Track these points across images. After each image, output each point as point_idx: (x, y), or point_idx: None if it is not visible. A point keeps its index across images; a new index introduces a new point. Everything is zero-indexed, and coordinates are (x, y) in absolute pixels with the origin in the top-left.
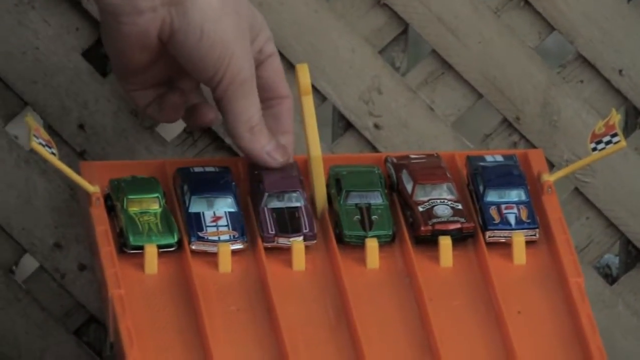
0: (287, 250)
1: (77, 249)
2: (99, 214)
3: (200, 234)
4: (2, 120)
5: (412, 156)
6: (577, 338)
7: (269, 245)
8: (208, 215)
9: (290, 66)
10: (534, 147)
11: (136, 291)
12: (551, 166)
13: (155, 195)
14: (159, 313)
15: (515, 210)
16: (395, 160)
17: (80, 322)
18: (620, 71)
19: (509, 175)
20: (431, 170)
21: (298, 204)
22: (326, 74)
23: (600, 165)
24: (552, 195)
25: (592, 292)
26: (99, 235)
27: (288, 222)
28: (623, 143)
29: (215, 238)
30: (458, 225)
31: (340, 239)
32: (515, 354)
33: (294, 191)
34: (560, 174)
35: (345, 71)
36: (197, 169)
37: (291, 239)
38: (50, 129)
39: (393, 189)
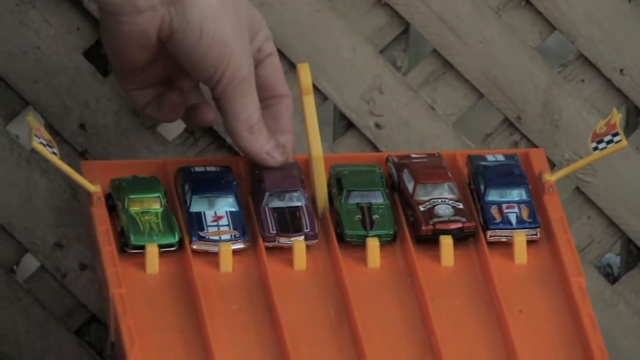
0: (288, 249)
1: (78, 248)
2: (100, 213)
3: (201, 233)
4: (3, 119)
5: (413, 156)
6: (579, 337)
7: (270, 244)
8: (209, 215)
9: (291, 66)
10: (535, 146)
11: (137, 291)
12: (552, 165)
13: (157, 194)
14: (160, 313)
15: (516, 210)
16: (396, 159)
17: (82, 321)
18: (621, 70)
19: (510, 174)
20: (432, 169)
21: (299, 204)
22: (327, 73)
23: (601, 164)
24: (553, 195)
25: (593, 292)
26: (100, 234)
27: (289, 222)
28: (624, 142)
29: (217, 237)
30: (459, 225)
31: (341, 239)
32: (516, 353)
33: (295, 191)
34: (561, 173)
35: (346, 70)
36: (198, 169)
37: (292, 239)
38: (51, 128)
39: (394, 188)
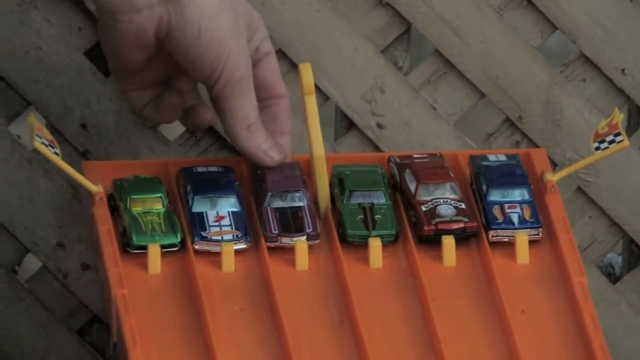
0: (290, 249)
1: (80, 248)
2: (102, 213)
3: (203, 233)
4: (4, 119)
5: (415, 156)
6: (581, 337)
7: (272, 244)
8: (211, 215)
9: (292, 66)
10: (536, 146)
11: (139, 291)
12: (554, 165)
13: (159, 195)
14: (162, 313)
15: (518, 210)
16: (398, 159)
17: (83, 321)
18: (622, 70)
19: (511, 174)
20: (434, 169)
21: (301, 204)
22: (328, 73)
23: (603, 164)
24: (555, 195)
25: (595, 291)
26: (102, 235)
27: (291, 222)
28: (626, 142)
29: (219, 238)
30: (461, 225)
31: (343, 239)
32: (518, 353)
33: (297, 191)
34: (563, 173)
35: (347, 70)
36: (200, 169)
37: (294, 239)
38: (52, 128)
39: (396, 188)
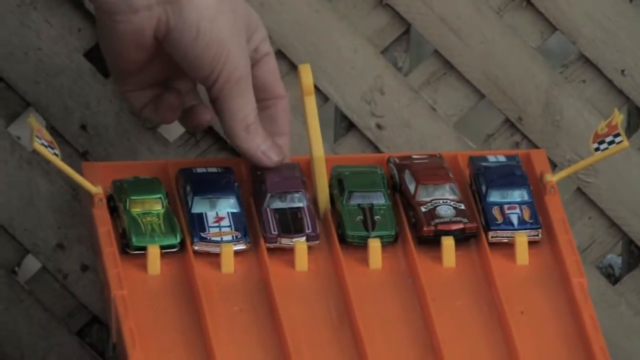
0: (290, 250)
1: (80, 249)
2: (101, 214)
3: (202, 234)
4: (4, 121)
5: (415, 156)
6: (580, 338)
7: (271, 245)
8: (211, 216)
9: (292, 66)
10: (536, 147)
11: (139, 292)
12: (554, 166)
13: (158, 196)
14: (161, 314)
15: (517, 211)
16: (397, 160)
17: (83, 322)
18: (622, 71)
19: (511, 175)
20: (434, 170)
21: (300, 205)
22: (328, 74)
23: (602, 165)
24: (554, 196)
25: (595, 292)
26: (102, 236)
27: (291, 223)
28: (626, 143)
29: (218, 239)
30: (461, 226)
31: (342, 240)
32: (518, 354)
33: (297, 192)
34: (562, 174)
35: (347, 71)
36: (199, 170)
37: (294, 240)
38: (52, 129)
39: (395, 189)
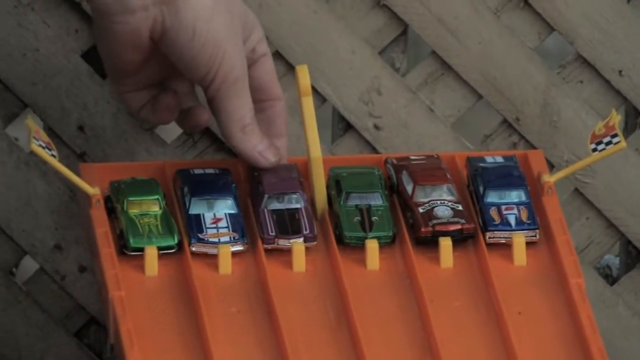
0: (287, 251)
1: (77, 250)
2: (99, 215)
3: (200, 235)
4: (2, 122)
5: (412, 157)
6: (578, 339)
7: (269, 246)
8: (208, 217)
9: (290, 67)
10: (534, 147)
11: (136, 293)
12: (551, 167)
13: (156, 197)
14: (159, 315)
15: (515, 211)
16: (395, 161)
17: (81, 323)
18: (620, 72)
19: (509, 176)
20: (431, 171)
21: (298, 206)
22: (326, 75)
23: (600, 165)
24: (552, 196)
25: (593, 293)
26: (99, 237)
27: (288, 224)
28: (623, 144)
29: (216, 240)
30: (458, 226)
31: (340, 240)
32: (515, 354)
33: (294, 193)
34: (560, 174)
35: (345, 72)
36: (197, 171)
37: (291, 241)
38: (50, 130)
39: (393, 190)
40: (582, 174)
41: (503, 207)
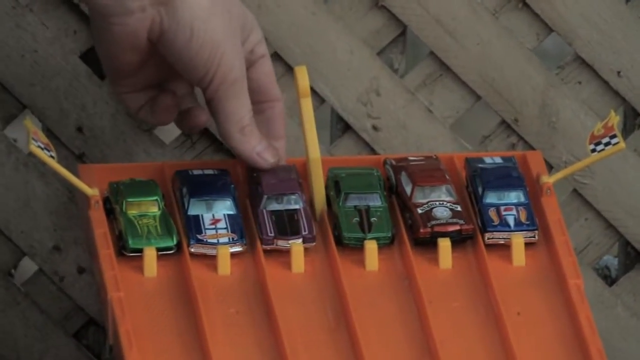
0: (286, 252)
1: (76, 251)
2: (97, 216)
3: (199, 236)
4: (0, 123)
5: (411, 158)
6: (577, 339)
7: (268, 247)
8: (207, 218)
9: (288, 68)
10: (532, 148)
11: (135, 294)
12: (550, 168)
13: (154, 198)
14: (158, 316)
15: (514, 212)
16: (394, 162)
17: (80, 324)
18: (618, 72)
19: (507, 177)
20: (430, 172)
21: (297, 207)
22: (324, 76)
23: (599, 166)
24: (551, 197)
25: (592, 294)
26: (98, 238)
27: (287, 225)
28: (622, 144)
29: (214, 241)
30: (457, 227)
31: (339, 241)
32: (514, 355)
33: (293, 193)
34: (559, 175)
35: (343, 73)
36: (195, 172)
37: (290, 242)
38: (48, 131)
39: (392, 191)
40: (580, 174)
41: (502, 207)
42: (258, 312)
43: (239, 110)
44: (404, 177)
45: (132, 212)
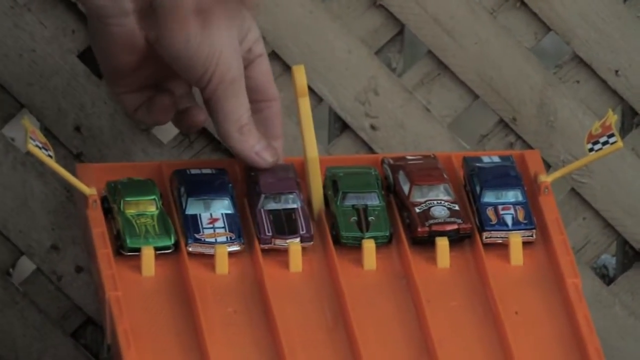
0: (284, 251)
1: (74, 251)
2: (95, 216)
3: (197, 235)
4: None
5: (409, 157)
6: (575, 338)
7: (265, 246)
8: (205, 217)
9: (286, 68)
10: (530, 147)
11: (133, 293)
12: (548, 167)
13: (152, 197)
14: (156, 315)
15: (512, 211)
16: (391, 161)
17: (78, 324)
18: (616, 71)
19: (505, 176)
20: (428, 171)
21: (295, 206)
22: (322, 75)
23: (597, 165)
24: (548, 196)
25: (589, 293)
26: (96, 237)
27: (285, 224)
28: (620, 144)
29: (212, 240)
30: (455, 226)
31: (337, 240)
32: (512, 354)
33: (291, 193)
34: (557, 174)
35: (341, 72)
36: (193, 171)
37: (288, 241)
38: (46, 131)
39: (390, 190)
40: (578, 173)
41: (500, 207)
42: (256, 311)
43: (237, 109)
44: (401, 176)
45: (130, 211)
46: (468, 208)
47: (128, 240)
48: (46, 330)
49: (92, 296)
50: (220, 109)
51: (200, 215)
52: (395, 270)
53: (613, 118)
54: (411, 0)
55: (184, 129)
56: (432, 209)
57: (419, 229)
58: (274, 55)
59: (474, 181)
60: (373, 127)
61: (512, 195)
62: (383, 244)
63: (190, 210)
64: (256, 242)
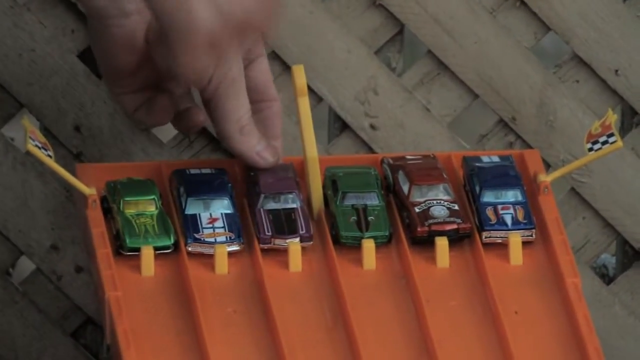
0: (284, 251)
1: (74, 250)
2: (95, 216)
3: (196, 235)
4: None
5: (408, 157)
6: (574, 338)
7: (265, 246)
8: (204, 217)
9: (286, 67)
10: (530, 147)
11: (133, 293)
12: (547, 166)
13: (152, 197)
14: (155, 315)
15: (511, 211)
16: (391, 161)
17: (77, 324)
18: (616, 71)
19: (505, 175)
20: (427, 171)
21: (294, 206)
22: (322, 74)
23: (596, 165)
24: (548, 196)
25: (589, 292)
26: (96, 237)
27: (284, 224)
28: (619, 143)
29: (212, 240)
30: (454, 226)
31: (336, 240)
32: (512, 354)
33: (290, 192)
34: (556, 174)
35: (341, 72)
36: (193, 171)
37: (288, 241)
38: (46, 131)
39: (389, 190)
40: (578, 173)
41: (499, 206)
42: (255, 311)
43: (237, 109)
44: (401, 176)
45: (130, 211)
46: (467, 208)
47: (128, 240)
48: (46, 330)
49: (91, 296)
50: (220, 109)
51: (199, 215)
52: (394, 270)
53: (613, 118)
54: (411, 0)
55: (183, 130)
56: (431, 208)
57: (419, 229)
58: (273, 55)
59: (473, 181)
60: (373, 127)
61: (512, 195)
62: (382, 244)
63: (189, 210)
64: (256, 242)
